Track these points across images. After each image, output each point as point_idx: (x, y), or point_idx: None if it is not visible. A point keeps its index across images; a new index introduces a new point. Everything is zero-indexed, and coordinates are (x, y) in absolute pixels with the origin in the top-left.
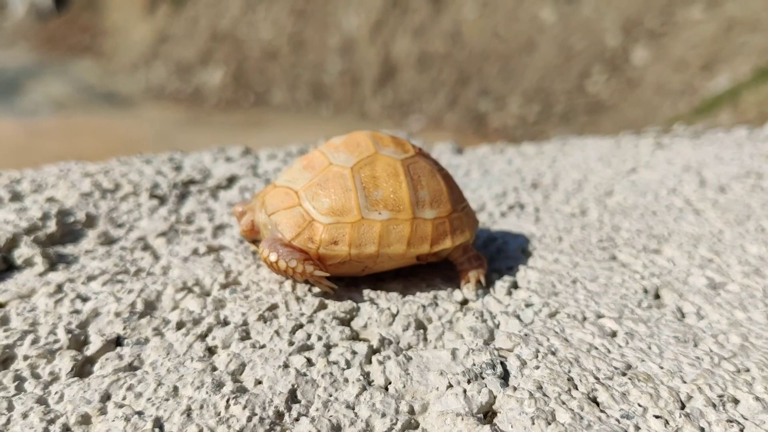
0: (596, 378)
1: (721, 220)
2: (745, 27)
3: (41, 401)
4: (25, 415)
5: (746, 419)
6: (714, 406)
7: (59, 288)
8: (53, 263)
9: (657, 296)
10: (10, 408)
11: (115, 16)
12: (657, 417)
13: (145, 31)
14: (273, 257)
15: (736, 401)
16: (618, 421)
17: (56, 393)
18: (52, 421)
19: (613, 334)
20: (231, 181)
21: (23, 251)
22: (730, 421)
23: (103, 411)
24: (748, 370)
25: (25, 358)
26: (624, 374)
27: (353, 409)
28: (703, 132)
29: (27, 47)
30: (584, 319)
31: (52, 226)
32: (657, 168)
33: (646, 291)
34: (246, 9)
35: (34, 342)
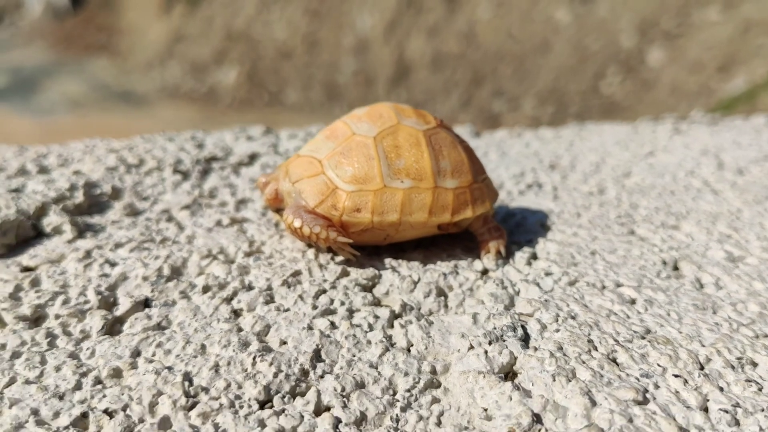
0: (616, 340)
1: (739, 200)
2: (763, 28)
3: (73, 356)
4: (58, 368)
5: (764, 380)
6: (732, 367)
7: (88, 254)
8: (81, 231)
9: (676, 268)
10: (43, 362)
11: (131, 16)
12: (676, 376)
13: (161, 30)
14: (297, 223)
15: (754, 364)
16: (638, 379)
17: (88, 349)
18: (84, 374)
19: (632, 302)
20: (252, 158)
21: (52, 219)
22: (748, 381)
23: (133, 365)
24: (766, 336)
25: (57, 317)
26: (643, 338)
27: (376, 368)
28: (721, 119)
29: (43, 46)
30: (603, 287)
31: (79, 197)
32: (675, 152)
33: (664, 263)
34: (261, 9)
35: (65, 302)
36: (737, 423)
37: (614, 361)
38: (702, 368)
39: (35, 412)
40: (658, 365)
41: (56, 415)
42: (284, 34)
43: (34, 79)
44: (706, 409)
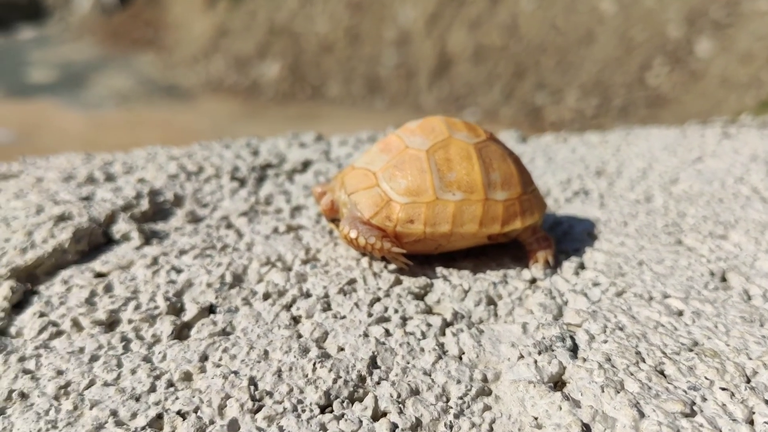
0: (663, 352)
1: None
2: None
3: (146, 359)
4: (133, 371)
5: None
6: None
7: (155, 260)
8: (148, 238)
9: (723, 279)
10: (120, 365)
11: (176, 11)
12: (723, 389)
13: (206, 25)
14: (353, 234)
15: None
16: (685, 392)
17: (159, 353)
18: (158, 377)
19: (680, 313)
20: (305, 165)
21: (121, 227)
22: None
23: (202, 369)
24: None
25: (129, 321)
26: (691, 350)
27: (430, 375)
28: None
29: (92, 41)
30: (651, 298)
31: (144, 205)
32: (723, 157)
33: (712, 274)
34: (303, 2)
35: (137, 308)
36: None
37: (662, 373)
38: (749, 381)
39: (114, 413)
40: (706, 378)
41: (134, 416)
42: (326, 28)
43: (83, 73)
44: (752, 422)
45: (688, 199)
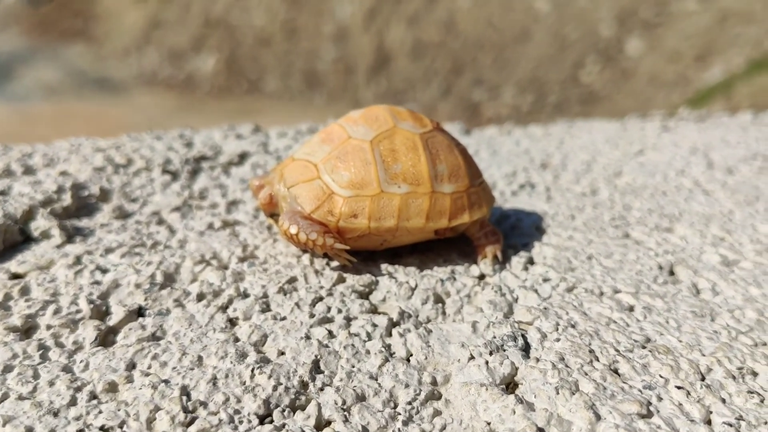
0: (617, 350)
1: (730, 201)
2: (739, 18)
3: (67, 369)
4: (51, 383)
5: (766, 391)
6: (734, 378)
7: (78, 260)
8: (70, 236)
9: (672, 273)
10: (36, 376)
11: (107, 1)
12: (679, 388)
13: (138, 16)
14: (293, 230)
15: (755, 374)
16: (641, 391)
17: (81, 362)
18: (79, 389)
19: (631, 309)
20: (242, 157)
21: (40, 223)
22: (750, 392)
23: (129, 379)
24: (765, 344)
25: (48, 327)
26: (644, 347)
27: (376, 379)
28: (708, 116)
29: (18, 32)
30: (601, 293)
31: (67, 200)
32: (664, 150)
33: (661, 267)
34: None
35: (56, 312)
36: None
37: (616, 372)
38: (703, 379)
39: (30, 431)
40: (660, 376)
41: None
42: (263, 21)
43: (9, 65)
44: (709, 422)
45: (632, 192)
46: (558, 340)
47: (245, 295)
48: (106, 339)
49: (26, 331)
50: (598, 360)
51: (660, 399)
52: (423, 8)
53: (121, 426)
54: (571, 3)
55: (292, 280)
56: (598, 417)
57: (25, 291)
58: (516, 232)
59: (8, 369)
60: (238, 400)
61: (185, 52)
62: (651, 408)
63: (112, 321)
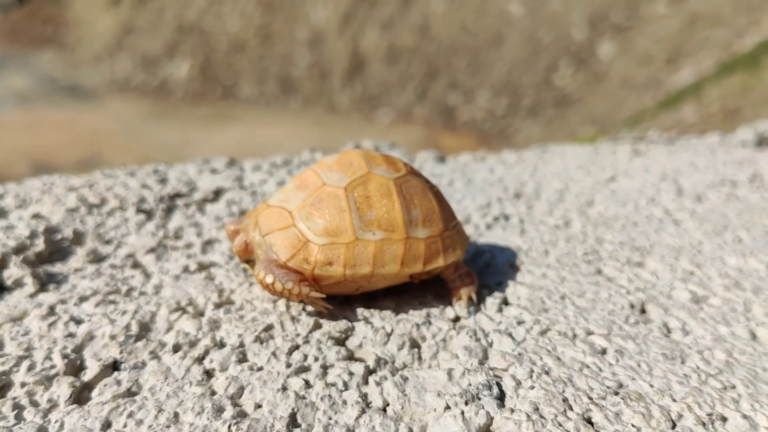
0: (590, 398)
1: (699, 231)
2: (708, 22)
3: (42, 430)
4: None
5: None
6: (704, 424)
7: (51, 310)
8: (43, 283)
9: (643, 311)
10: None
11: (78, 7)
12: None
13: (109, 22)
14: (269, 279)
15: (724, 419)
16: None
17: (56, 421)
18: None
19: (603, 352)
20: (217, 194)
21: (13, 272)
22: None
23: None
24: (734, 387)
25: (23, 385)
26: (616, 393)
27: None
28: (677, 138)
29: None
30: (575, 336)
31: (40, 245)
32: (635, 176)
33: (632, 306)
34: (213, 0)
35: (31, 368)
36: None
37: (589, 421)
38: (674, 426)
39: None
40: (632, 425)
41: None
42: (237, 27)
43: None
44: None
45: (604, 223)
46: (532, 387)
47: (221, 345)
48: (80, 396)
49: (0, 389)
50: (571, 409)
51: None
52: (397, 13)
53: None
54: (543, 7)
55: (269, 327)
56: None
57: None
58: (490, 270)
59: None
60: None
61: (159, 58)
62: None
63: (87, 376)
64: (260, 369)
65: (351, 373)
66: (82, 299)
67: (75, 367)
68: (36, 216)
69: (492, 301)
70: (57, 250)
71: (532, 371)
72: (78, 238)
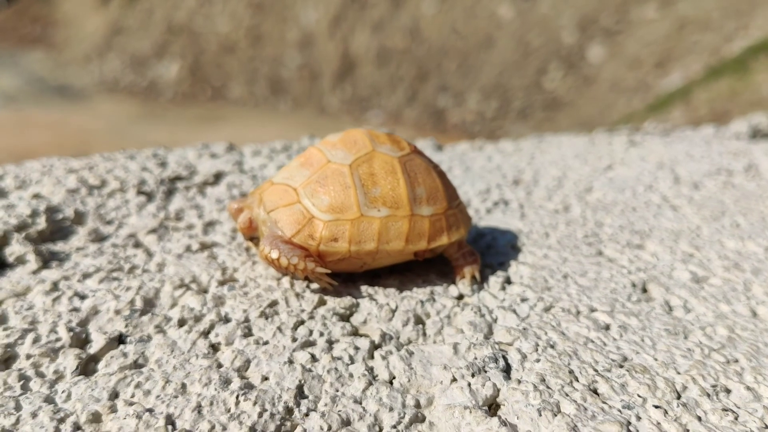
0: (595, 370)
1: (697, 216)
2: (697, 26)
3: (49, 400)
4: (34, 415)
5: (739, 408)
6: (708, 395)
7: (55, 286)
8: (46, 261)
9: (645, 290)
10: (18, 407)
11: (66, 7)
12: (656, 407)
13: (98, 22)
14: (274, 254)
15: (728, 391)
16: (620, 411)
17: (63, 392)
18: (62, 420)
19: (607, 327)
20: (217, 177)
21: (15, 249)
22: (725, 410)
23: (113, 409)
24: (737, 361)
25: (28, 357)
26: (621, 366)
27: (361, 403)
28: (673, 130)
29: None
30: (578, 312)
31: (41, 223)
32: (632, 165)
33: (634, 285)
34: (203, 1)
35: (36, 341)
36: None
37: (595, 392)
38: (679, 397)
39: None
40: (638, 396)
41: None
42: (227, 28)
43: None
44: None
45: (603, 208)
46: (538, 360)
47: (226, 320)
48: (87, 368)
49: (5, 361)
50: (577, 380)
51: (639, 419)
52: (388, 15)
53: None
54: (533, 10)
55: (273, 303)
56: None
57: (2, 319)
58: (492, 251)
59: None
60: (224, 428)
61: (148, 59)
62: (630, 428)
63: (93, 349)
64: (266, 343)
65: (357, 348)
66: (86, 276)
67: (80, 340)
68: (36, 196)
69: (495, 280)
70: (58, 229)
71: (537, 345)
72: (79, 218)
